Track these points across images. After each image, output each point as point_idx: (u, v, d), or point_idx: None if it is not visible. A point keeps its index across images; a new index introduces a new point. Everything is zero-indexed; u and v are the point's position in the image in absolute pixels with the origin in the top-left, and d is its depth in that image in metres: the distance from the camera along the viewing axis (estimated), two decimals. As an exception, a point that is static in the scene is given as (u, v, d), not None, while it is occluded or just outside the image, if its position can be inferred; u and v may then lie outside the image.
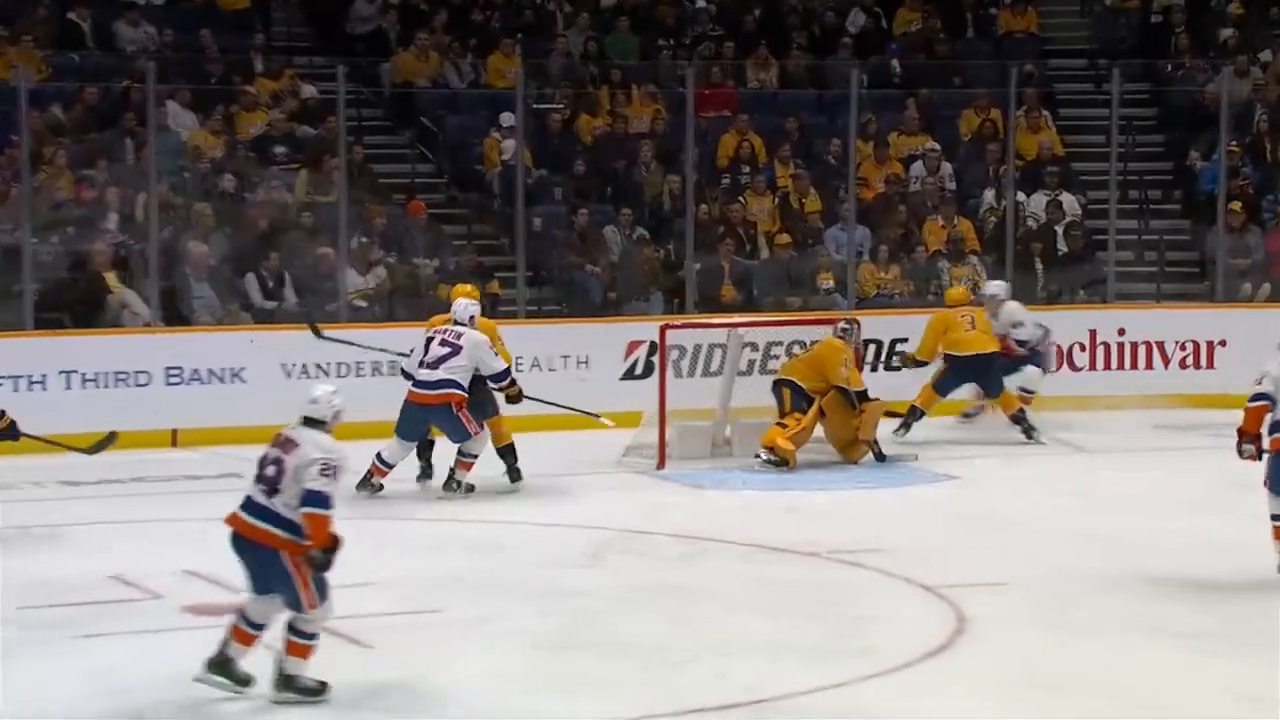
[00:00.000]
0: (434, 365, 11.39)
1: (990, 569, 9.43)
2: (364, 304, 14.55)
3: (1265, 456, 9.06)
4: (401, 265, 15.00)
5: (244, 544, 7.19)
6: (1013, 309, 14.25)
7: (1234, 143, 16.62)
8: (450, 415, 11.33)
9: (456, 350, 11.39)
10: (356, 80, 16.69)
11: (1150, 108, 18.25)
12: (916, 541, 10.17)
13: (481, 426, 11.48)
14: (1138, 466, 12.73)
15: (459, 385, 11.32)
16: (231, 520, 7.21)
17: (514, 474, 11.84)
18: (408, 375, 11.58)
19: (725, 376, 13.36)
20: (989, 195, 16.71)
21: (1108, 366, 15.46)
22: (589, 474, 12.34)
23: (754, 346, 14.11)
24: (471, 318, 11.56)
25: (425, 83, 17.17)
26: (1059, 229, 16.50)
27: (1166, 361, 15.47)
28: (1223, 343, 15.49)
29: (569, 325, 14.40)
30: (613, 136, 16.94)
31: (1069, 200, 16.75)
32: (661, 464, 12.59)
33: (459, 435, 11.42)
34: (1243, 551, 9.45)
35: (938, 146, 17.06)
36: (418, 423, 11.48)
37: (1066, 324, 15.31)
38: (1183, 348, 15.49)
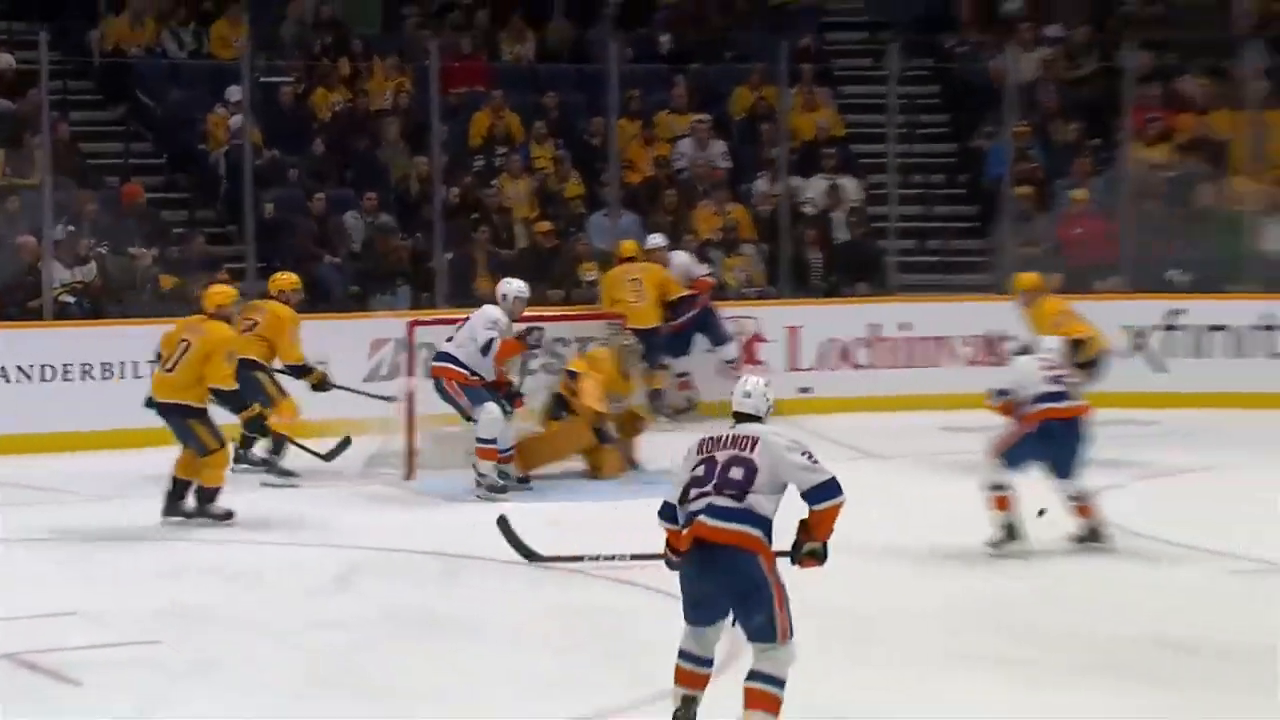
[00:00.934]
0: None
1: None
2: (71, 300, 13.58)
3: (1012, 425, 9.61)
4: (115, 256, 14.02)
5: (715, 555, 6.24)
6: (682, 260, 14.32)
7: (1022, 123, 16.11)
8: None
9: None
10: (61, 48, 15.63)
11: (933, 85, 17.70)
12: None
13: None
14: (923, 473, 12.15)
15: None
16: (699, 530, 6.26)
17: (245, 445, 11.74)
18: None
19: None
20: (762, 180, 16.04)
21: (890, 364, 14.91)
22: (333, 485, 11.55)
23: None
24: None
25: (140, 52, 16.22)
26: (837, 215, 15.92)
27: (953, 357, 14.94)
28: (1011, 337, 14.74)
29: (306, 321, 13.13)
30: (353, 113, 15.99)
31: (848, 185, 16.17)
32: (411, 474, 11.72)
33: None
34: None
35: (707, 117, 16.39)
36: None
37: (846, 318, 14.88)
38: (967, 343, 14.95)
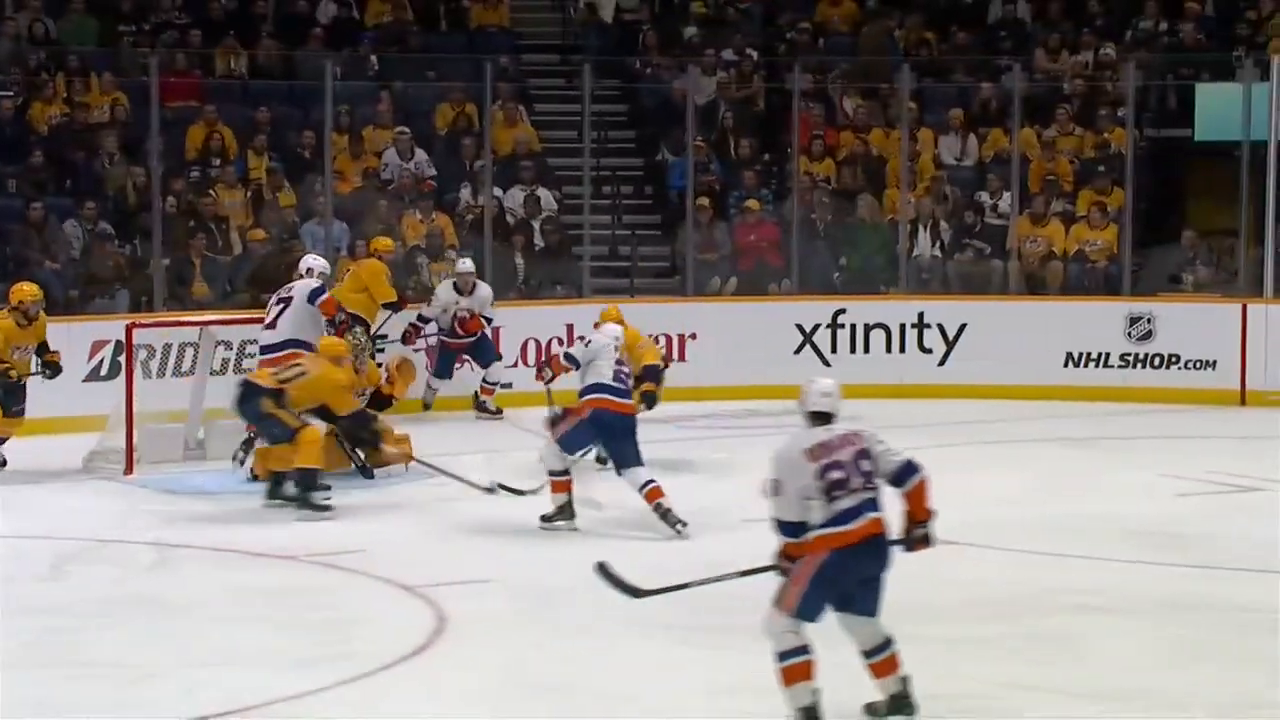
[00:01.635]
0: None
1: (473, 568, 9.38)
2: None
3: (559, 415, 10.23)
4: None
5: (880, 545, 6.53)
6: (487, 292, 14.83)
7: (700, 140, 16.99)
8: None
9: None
10: None
11: (621, 104, 18.52)
12: (399, 543, 10.06)
13: None
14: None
15: None
16: (874, 526, 6.51)
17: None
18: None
19: (197, 377, 13.00)
20: (466, 191, 16.68)
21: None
22: (51, 481, 11.86)
23: (228, 345, 13.77)
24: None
25: None
26: (536, 224, 16.62)
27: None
28: (694, 335, 15.86)
29: (26, 325, 13.54)
30: (71, 126, 16.20)
31: (545, 195, 16.89)
32: (129, 469, 12.12)
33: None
34: (711, 544, 9.70)
35: (407, 130, 16.87)
36: None
37: (544, 320, 15.47)
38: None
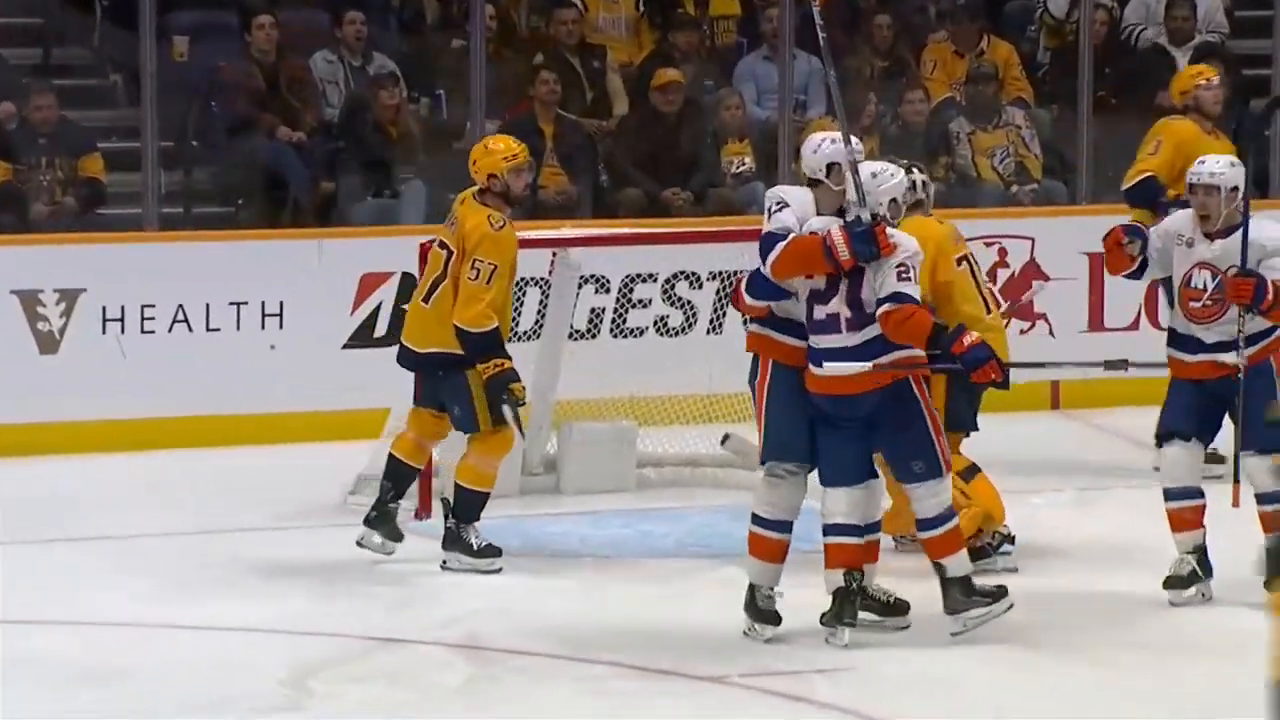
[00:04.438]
0: None
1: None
2: None
3: None
4: None
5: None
6: None
7: None
8: None
9: None
10: None
11: None
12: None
13: None
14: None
15: None
16: None
17: None
18: None
19: (546, 340, 8.48)
20: None
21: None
22: (297, 524, 8.09)
23: (600, 282, 9.98)
24: None
25: None
26: None
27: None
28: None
29: None
30: None
31: None
32: (426, 507, 8.19)
33: None
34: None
35: None
36: None
37: None
38: None
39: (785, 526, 6.13)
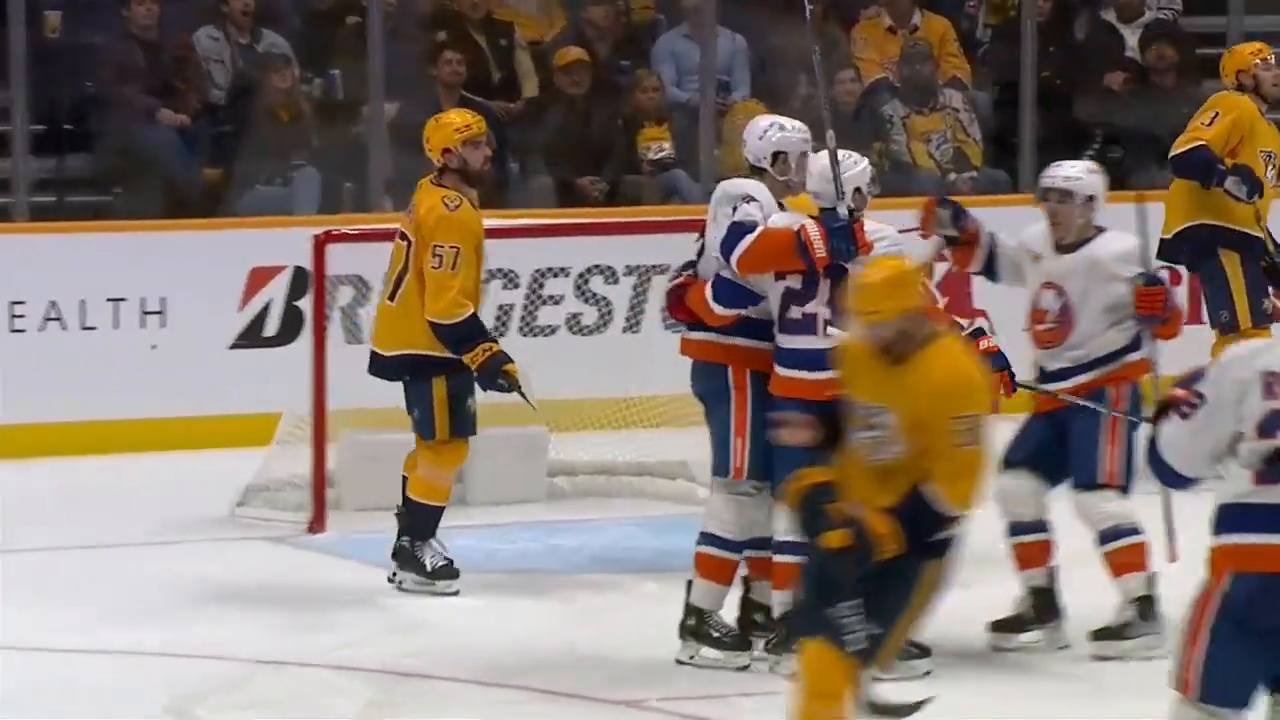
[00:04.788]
0: None
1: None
2: None
3: None
4: None
5: None
6: None
7: None
8: None
9: None
10: None
11: None
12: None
13: None
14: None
15: None
16: None
17: None
18: None
19: None
20: None
21: None
22: (182, 539, 7.74)
23: (509, 277, 11.06)
24: None
25: None
26: None
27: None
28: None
29: None
30: None
31: None
32: (319, 521, 7.88)
33: None
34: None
35: None
36: None
37: None
38: None
39: (742, 547, 5.83)
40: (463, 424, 6.58)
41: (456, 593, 6.65)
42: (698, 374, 5.88)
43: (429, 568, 6.62)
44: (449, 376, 6.52)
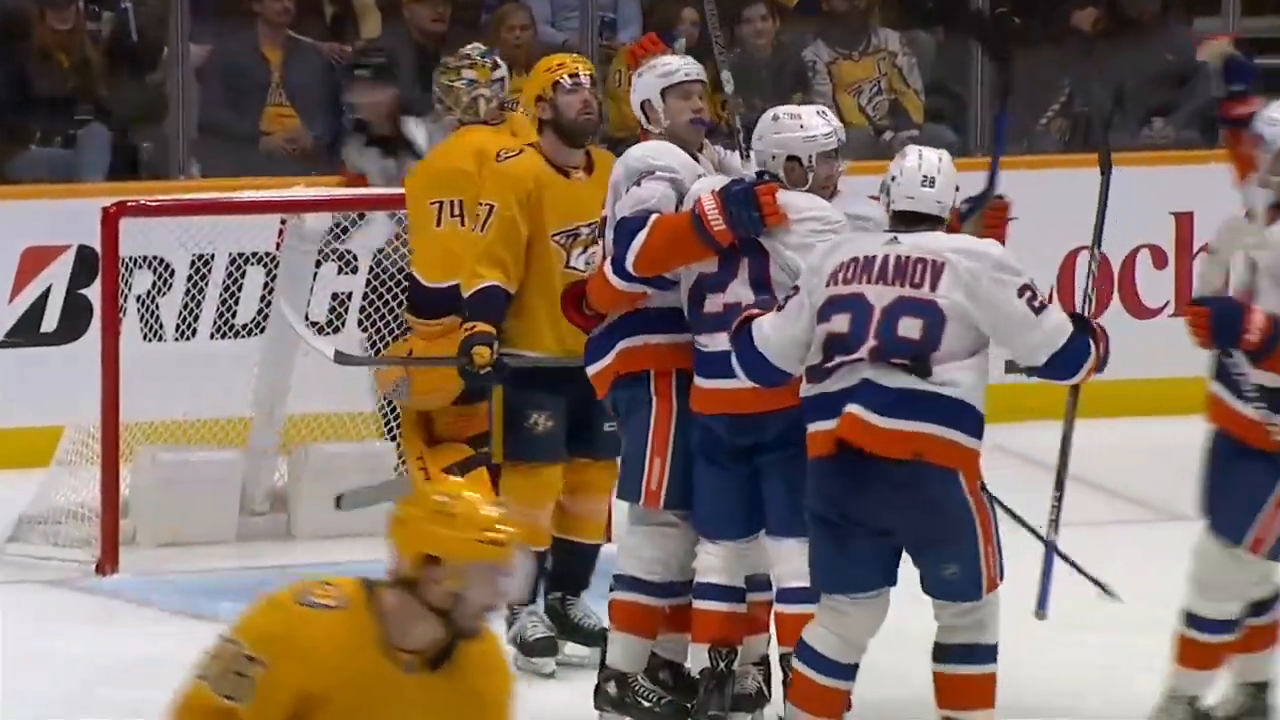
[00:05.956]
0: None
1: None
2: None
3: None
4: None
5: (875, 472, 4.57)
6: None
7: None
8: None
9: None
10: None
11: None
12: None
13: None
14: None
15: None
16: (848, 428, 4.58)
17: None
18: None
19: (269, 336, 10.66)
20: None
21: None
22: None
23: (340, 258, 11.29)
24: None
25: None
26: None
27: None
28: None
29: None
30: None
31: None
32: (110, 560, 8.15)
33: None
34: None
35: None
36: None
37: None
38: None
39: (669, 590, 5.23)
40: (520, 444, 5.91)
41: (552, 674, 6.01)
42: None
43: (518, 639, 5.90)
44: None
